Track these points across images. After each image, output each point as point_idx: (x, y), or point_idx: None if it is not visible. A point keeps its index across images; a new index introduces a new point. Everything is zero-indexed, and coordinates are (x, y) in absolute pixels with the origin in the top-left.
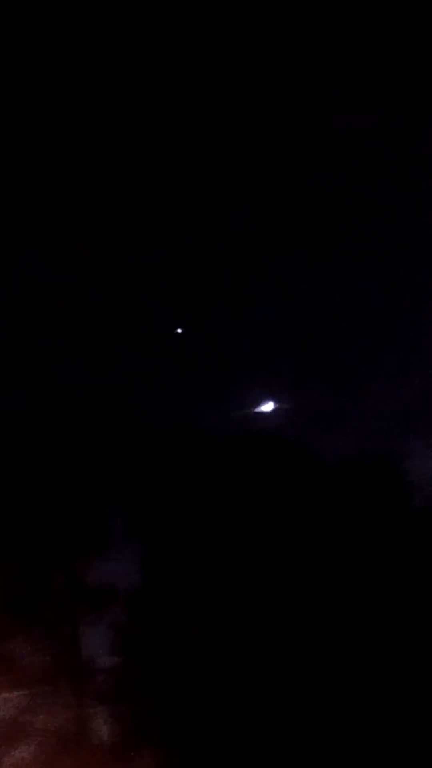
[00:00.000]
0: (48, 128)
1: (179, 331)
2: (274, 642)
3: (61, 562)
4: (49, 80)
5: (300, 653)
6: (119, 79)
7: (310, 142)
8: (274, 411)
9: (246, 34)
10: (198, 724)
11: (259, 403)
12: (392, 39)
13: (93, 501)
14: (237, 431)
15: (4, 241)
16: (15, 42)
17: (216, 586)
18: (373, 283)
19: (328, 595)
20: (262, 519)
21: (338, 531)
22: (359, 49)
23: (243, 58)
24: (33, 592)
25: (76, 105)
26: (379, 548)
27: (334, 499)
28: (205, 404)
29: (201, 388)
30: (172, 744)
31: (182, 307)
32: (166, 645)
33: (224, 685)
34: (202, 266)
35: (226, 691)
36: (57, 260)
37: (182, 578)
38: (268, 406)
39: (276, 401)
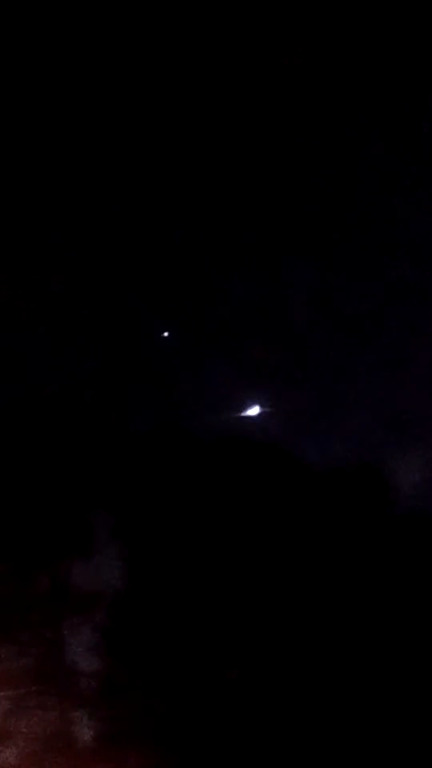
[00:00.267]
0: (48, 136)
1: (165, 334)
2: (261, 646)
3: (46, 565)
4: (46, 101)
5: (287, 657)
6: (118, 87)
7: (311, 142)
8: (260, 415)
9: (246, 36)
10: (184, 726)
11: (245, 407)
12: (392, 41)
13: (78, 504)
14: (223, 435)
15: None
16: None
17: (201, 589)
18: (364, 287)
19: (317, 601)
20: (249, 523)
21: (326, 536)
22: (360, 51)
23: (243, 60)
24: (17, 595)
25: (76, 118)
26: (367, 554)
27: (322, 503)
28: (191, 408)
29: (187, 392)
30: (158, 746)
31: (169, 310)
32: (151, 648)
33: (210, 687)
34: (189, 269)
35: (212, 694)
36: (50, 261)
37: (167, 582)
38: (254, 410)
39: (262, 405)
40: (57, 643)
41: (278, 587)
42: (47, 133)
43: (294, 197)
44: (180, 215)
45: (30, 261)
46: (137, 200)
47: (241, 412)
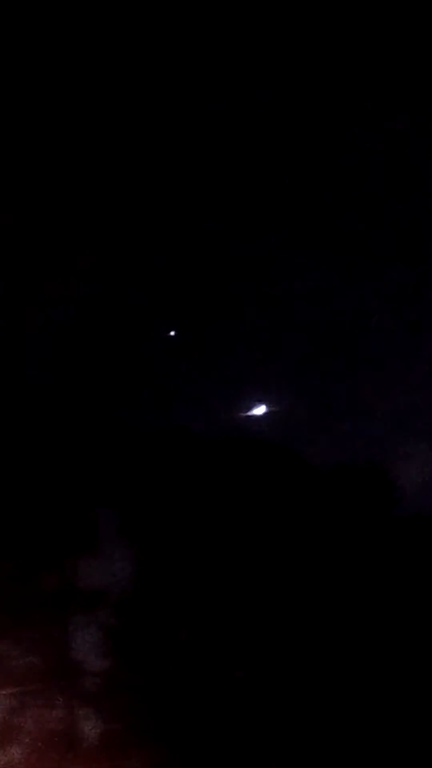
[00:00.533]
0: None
1: (172, 333)
2: (264, 644)
3: (52, 564)
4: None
5: (291, 656)
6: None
7: (311, 144)
8: (266, 414)
9: (245, 38)
10: (188, 725)
11: (251, 407)
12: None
13: (84, 503)
14: (229, 434)
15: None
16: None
17: (207, 588)
18: (368, 286)
19: (322, 599)
20: (255, 522)
21: (332, 535)
22: (360, 53)
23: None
24: (22, 593)
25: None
26: (374, 553)
27: (327, 503)
28: (197, 407)
29: (193, 391)
30: (162, 745)
31: (175, 310)
32: (156, 647)
33: (214, 686)
34: (195, 269)
35: (216, 693)
36: (52, 265)
37: (173, 580)
38: (260, 410)
39: (268, 404)
40: (62, 641)
41: (284, 586)
42: (47, 133)
43: (295, 196)
44: (182, 215)
45: (31, 261)
46: (139, 200)
47: (247, 411)
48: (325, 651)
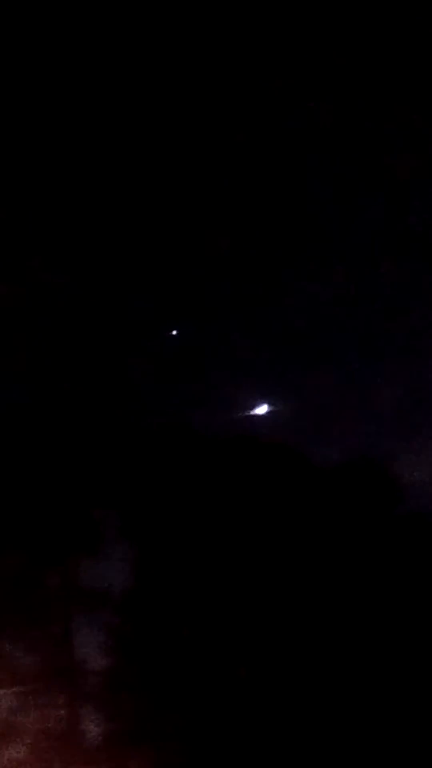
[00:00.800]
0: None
1: (174, 332)
2: (266, 643)
3: (54, 563)
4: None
5: (293, 655)
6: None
7: (312, 145)
8: (268, 413)
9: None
10: (190, 724)
11: (252, 406)
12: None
13: (86, 502)
14: (231, 433)
15: (7, 244)
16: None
17: (208, 587)
18: (369, 285)
19: (323, 598)
20: (256, 521)
21: (333, 533)
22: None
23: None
24: (25, 592)
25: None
26: (374, 551)
27: (329, 501)
28: (199, 406)
29: (195, 390)
30: (164, 744)
31: (178, 308)
32: (158, 645)
33: (216, 685)
34: (198, 268)
35: (218, 691)
36: (55, 260)
37: (174, 579)
38: (262, 409)
39: (270, 403)
40: (65, 640)
41: (287, 585)
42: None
43: (297, 198)
44: (185, 215)
45: (34, 259)
46: (143, 201)
47: (250, 410)
48: (328, 648)
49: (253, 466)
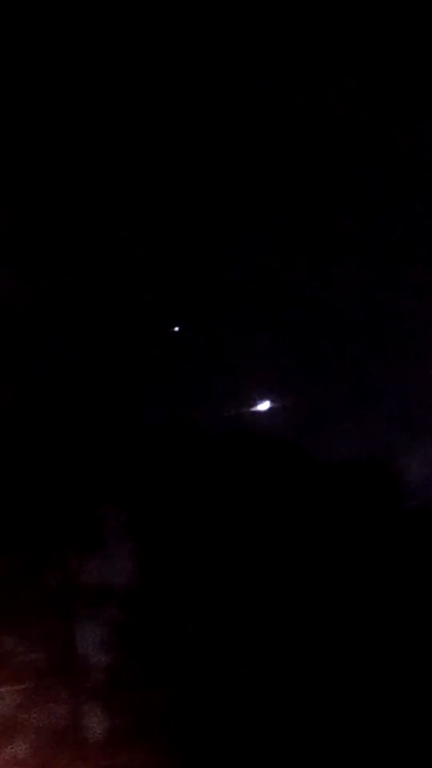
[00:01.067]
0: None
1: (176, 329)
2: (269, 639)
3: (57, 559)
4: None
5: (296, 651)
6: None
7: (313, 141)
8: (270, 410)
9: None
10: (193, 721)
11: (255, 402)
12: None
13: (89, 498)
14: (233, 430)
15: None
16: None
17: (211, 583)
18: (372, 281)
19: (326, 594)
20: (259, 517)
21: (335, 530)
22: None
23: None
24: (28, 589)
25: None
26: (377, 548)
27: (331, 498)
28: (202, 402)
29: (198, 386)
30: (168, 741)
31: (180, 304)
32: (161, 642)
33: (219, 682)
34: (200, 264)
35: (222, 688)
36: (55, 256)
37: (178, 576)
38: (264, 405)
39: (272, 400)
40: (68, 637)
41: (289, 582)
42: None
43: (298, 198)
44: (188, 213)
45: (38, 257)
46: (146, 198)
47: (251, 407)
48: (330, 644)
49: (257, 463)
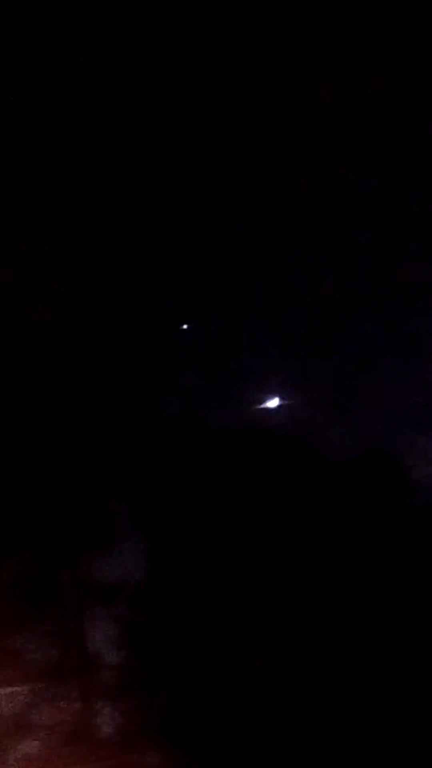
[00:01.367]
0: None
1: (185, 326)
2: (279, 637)
3: (67, 557)
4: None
5: (304, 649)
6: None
7: (314, 140)
8: (278, 407)
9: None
10: (204, 719)
11: (263, 399)
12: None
13: (98, 496)
14: (242, 427)
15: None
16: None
17: (221, 581)
18: (376, 279)
19: (332, 591)
20: (267, 515)
21: (342, 527)
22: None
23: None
24: (38, 587)
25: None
26: (382, 545)
27: (338, 495)
28: (210, 400)
29: (206, 384)
30: (179, 739)
31: (187, 302)
32: (172, 640)
33: (230, 680)
34: (207, 261)
35: (232, 687)
36: (60, 253)
37: (188, 573)
38: (273, 402)
39: (281, 397)
40: (79, 635)
41: (300, 578)
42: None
43: (299, 198)
44: (192, 211)
45: (43, 255)
46: (141, 194)
47: (261, 404)
48: (341, 640)
49: (265, 460)
